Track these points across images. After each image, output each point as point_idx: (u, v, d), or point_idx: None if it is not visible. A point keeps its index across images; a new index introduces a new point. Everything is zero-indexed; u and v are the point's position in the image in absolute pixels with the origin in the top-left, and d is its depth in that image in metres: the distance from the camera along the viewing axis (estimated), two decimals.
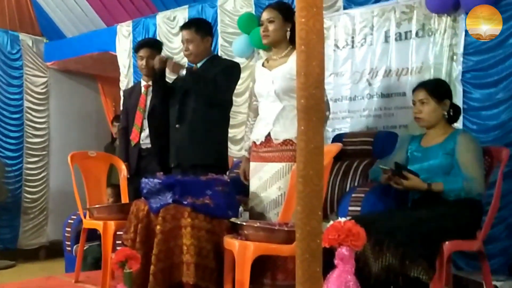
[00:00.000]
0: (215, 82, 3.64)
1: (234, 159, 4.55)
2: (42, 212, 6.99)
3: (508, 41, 3.68)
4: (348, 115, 4.41)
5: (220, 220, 3.09)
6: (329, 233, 1.89)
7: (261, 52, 4.97)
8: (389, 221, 2.82)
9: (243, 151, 3.80)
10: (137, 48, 4.46)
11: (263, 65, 3.53)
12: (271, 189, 3.30)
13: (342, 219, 1.94)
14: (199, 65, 3.85)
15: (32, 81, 7.00)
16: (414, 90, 3.35)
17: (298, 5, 1.65)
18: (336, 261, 2.05)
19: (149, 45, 4.41)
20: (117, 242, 3.92)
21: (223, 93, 3.73)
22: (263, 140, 3.38)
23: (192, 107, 3.75)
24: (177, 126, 3.81)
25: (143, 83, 4.43)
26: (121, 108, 4.90)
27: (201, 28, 3.85)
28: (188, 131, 3.76)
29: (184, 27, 3.89)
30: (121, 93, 6.23)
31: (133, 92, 4.51)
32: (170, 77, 4.09)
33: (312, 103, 1.65)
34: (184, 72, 3.65)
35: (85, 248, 4.22)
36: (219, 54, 5.15)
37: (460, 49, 3.88)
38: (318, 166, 1.65)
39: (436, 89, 3.28)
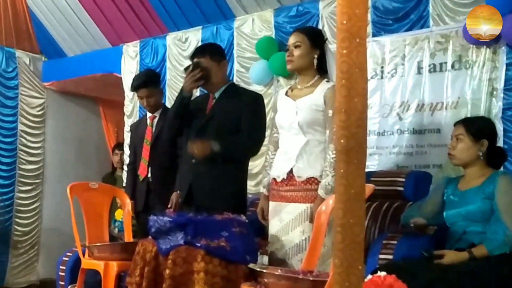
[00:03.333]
0: (242, 144, 3.71)
1: (249, 196, 4.51)
2: (33, 247, 6.88)
3: None
4: (376, 151, 4.39)
5: (236, 266, 3.04)
6: None
7: (281, 79, 4.97)
8: (428, 273, 2.77)
9: (260, 187, 3.75)
10: (134, 88, 4.53)
11: (286, 94, 3.51)
12: (293, 233, 3.24)
13: (382, 274, 1.89)
14: (217, 94, 3.79)
15: (28, 102, 6.96)
16: (455, 124, 3.37)
17: (339, 35, 1.63)
18: None
19: (145, 84, 4.41)
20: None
21: (254, 148, 3.80)
22: (285, 177, 3.33)
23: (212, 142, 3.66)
24: (193, 161, 3.73)
25: (148, 114, 4.51)
26: (129, 143, 5.02)
27: (215, 53, 3.83)
28: (206, 169, 3.67)
29: (197, 55, 3.80)
30: (125, 118, 6.27)
31: (140, 126, 4.61)
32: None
33: (353, 143, 1.62)
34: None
35: None
36: (235, 81, 5.12)
37: (500, 84, 3.86)
38: (359, 213, 1.62)
39: (474, 126, 3.27)
